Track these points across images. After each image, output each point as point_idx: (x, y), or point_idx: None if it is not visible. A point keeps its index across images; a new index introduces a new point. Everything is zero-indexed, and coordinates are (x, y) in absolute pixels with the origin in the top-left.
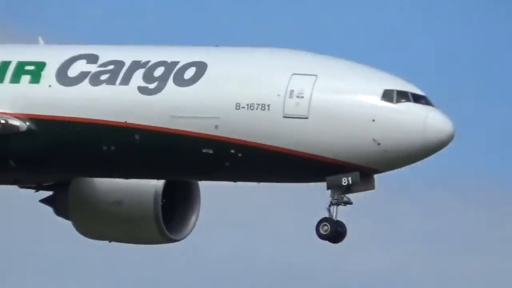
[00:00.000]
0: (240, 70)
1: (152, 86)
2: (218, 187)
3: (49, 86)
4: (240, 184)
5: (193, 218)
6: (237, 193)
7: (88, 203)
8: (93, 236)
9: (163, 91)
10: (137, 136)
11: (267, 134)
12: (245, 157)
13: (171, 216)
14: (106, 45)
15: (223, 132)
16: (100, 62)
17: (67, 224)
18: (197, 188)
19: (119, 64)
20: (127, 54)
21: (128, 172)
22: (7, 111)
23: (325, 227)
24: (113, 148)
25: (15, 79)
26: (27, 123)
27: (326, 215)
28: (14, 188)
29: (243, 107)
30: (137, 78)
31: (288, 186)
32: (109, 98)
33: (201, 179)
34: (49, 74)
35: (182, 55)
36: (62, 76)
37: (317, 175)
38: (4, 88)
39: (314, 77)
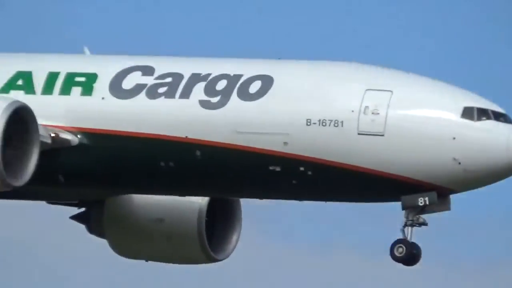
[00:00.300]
0: (309, 84)
1: (214, 100)
2: (260, 204)
3: (102, 98)
4: (283, 201)
5: (235, 237)
6: (277, 210)
7: (127, 220)
8: (130, 255)
9: (227, 106)
10: (198, 152)
11: (340, 151)
12: (314, 175)
13: (211, 234)
14: (161, 57)
15: (292, 149)
16: (156, 74)
17: (101, 242)
18: (238, 205)
19: (177, 76)
20: (185, 66)
21: (187, 190)
22: (58, 124)
23: (400, 249)
24: (171, 164)
25: (65, 91)
26: (78, 137)
27: (401, 236)
28: (41, 204)
29: (314, 123)
30: (198, 91)
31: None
32: (168, 112)
33: (264, 197)
34: (102, 86)
35: (244, 68)
36: (116, 89)
37: (392, 194)
38: (54, 100)
39: (389, 93)
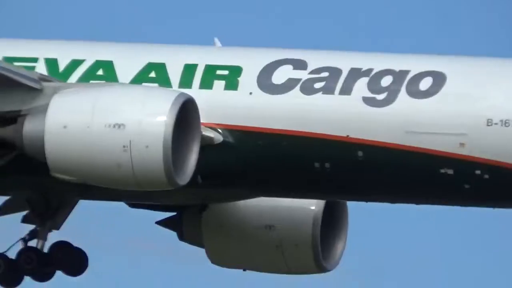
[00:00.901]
0: (488, 82)
1: (380, 97)
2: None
3: (250, 93)
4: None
5: (341, 245)
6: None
7: (231, 226)
8: (229, 263)
9: (395, 103)
10: (360, 153)
11: None
12: (492, 179)
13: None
14: (310, 50)
15: (470, 150)
16: (310, 68)
17: (192, 250)
18: (345, 209)
19: (335, 71)
20: (341, 61)
21: (343, 193)
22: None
23: None
24: (327, 165)
25: (206, 84)
26: (222, 134)
27: None
28: (120, 205)
29: (495, 124)
30: (361, 87)
31: None
32: (327, 109)
33: (428, 203)
34: (248, 80)
35: (410, 63)
36: (266, 83)
37: None
38: (194, 94)
39: None
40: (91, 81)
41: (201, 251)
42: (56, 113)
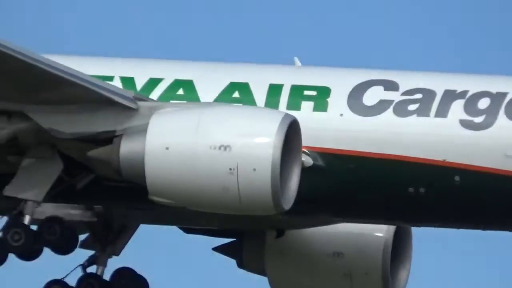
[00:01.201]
0: None
1: (478, 120)
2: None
3: (341, 115)
4: None
5: (405, 273)
6: None
7: (296, 253)
8: None
9: (494, 126)
10: (457, 178)
11: None
12: None
13: None
14: (400, 71)
15: None
16: (402, 89)
17: (253, 278)
18: (410, 235)
19: (428, 93)
20: (433, 82)
21: (437, 220)
22: None
23: None
24: (422, 190)
25: (294, 105)
26: (312, 158)
27: None
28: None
29: None
30: (457, 110)
31: None
32: (422, 132)
33: None
34: (338, 101)
35: (507, 85)
36: (357, 104)
37: None
38: None
39: None
40: (171, 101)
41: (262, 280)
42: (157, 134)
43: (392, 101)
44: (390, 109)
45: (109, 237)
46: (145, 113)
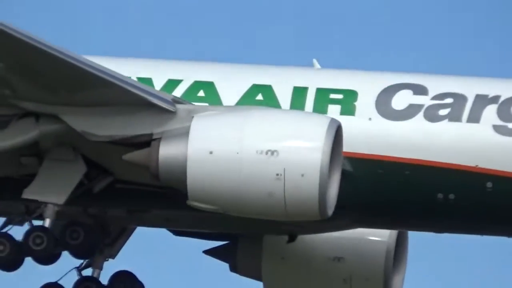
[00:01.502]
0: None
1: (511, 125)
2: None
3: (369, 119)
4: None
5: (399, 278)
6: None
7: (294, 259)
8: None
9: None
10: (489, 184)
11: None
12: None
13: None
14: (425, 74)
15: None
16: (432, 94)
17: (244, 282)
18: (407, 240)
19: (459, 97)
20: (463, 86)
21: (465, 226)
22: None
23: None
24: (451, 196)
25: (320, 109)
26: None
27: None
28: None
29: None
30: (490, 115)
31: None
32: (454, 137)
33: None
34: (366, 105)
35: None
36: (386, 108)
37: None
38: None
39: None
40: (193, 103)
41: (256, 284)
42: (201, 138)
43: (422, 105)
44: (421, 114)
45: (107, 240)
46: (183, 116)
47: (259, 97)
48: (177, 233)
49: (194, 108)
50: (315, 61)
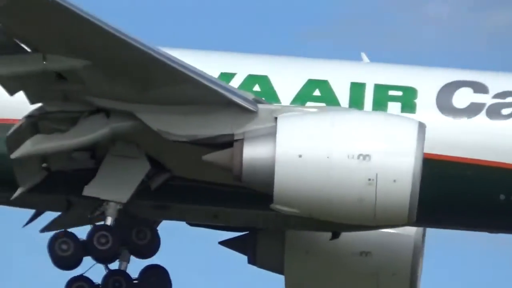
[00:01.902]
0: None
1: None
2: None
3: (431, 117)
4: None
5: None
6: None
7: (319, 254)
8: None
9: None
10: None
11: None
12: None
13: None
14: (484, 71)
15: None
16: (493, 92)
17: (263, 274)
18: (424, 238)
19: None
20: None
21: None
22: None
23: None
24: None
25: (380, 106)
26: None
27: None
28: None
29: None
30: None
31: None
32: None
33: None
34: (427, 103)
35: None
36: (447, 106)
37: None
38: None
39: None
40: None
41: (276, 277)
42: (289, 140)
43: (484, 104)
44: (483, 112)
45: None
46: (265, 116)
47: (317, 93)
48: (192, 223)
49: (275, 108)
50: (363, 54)
